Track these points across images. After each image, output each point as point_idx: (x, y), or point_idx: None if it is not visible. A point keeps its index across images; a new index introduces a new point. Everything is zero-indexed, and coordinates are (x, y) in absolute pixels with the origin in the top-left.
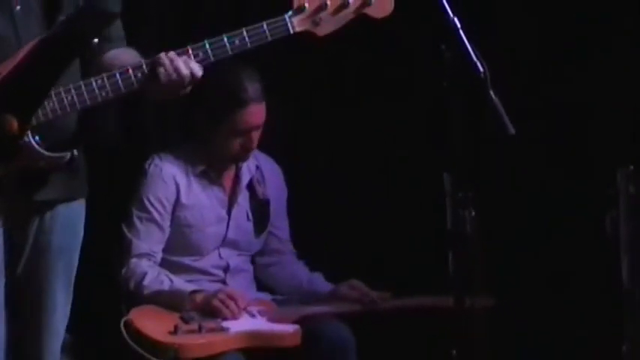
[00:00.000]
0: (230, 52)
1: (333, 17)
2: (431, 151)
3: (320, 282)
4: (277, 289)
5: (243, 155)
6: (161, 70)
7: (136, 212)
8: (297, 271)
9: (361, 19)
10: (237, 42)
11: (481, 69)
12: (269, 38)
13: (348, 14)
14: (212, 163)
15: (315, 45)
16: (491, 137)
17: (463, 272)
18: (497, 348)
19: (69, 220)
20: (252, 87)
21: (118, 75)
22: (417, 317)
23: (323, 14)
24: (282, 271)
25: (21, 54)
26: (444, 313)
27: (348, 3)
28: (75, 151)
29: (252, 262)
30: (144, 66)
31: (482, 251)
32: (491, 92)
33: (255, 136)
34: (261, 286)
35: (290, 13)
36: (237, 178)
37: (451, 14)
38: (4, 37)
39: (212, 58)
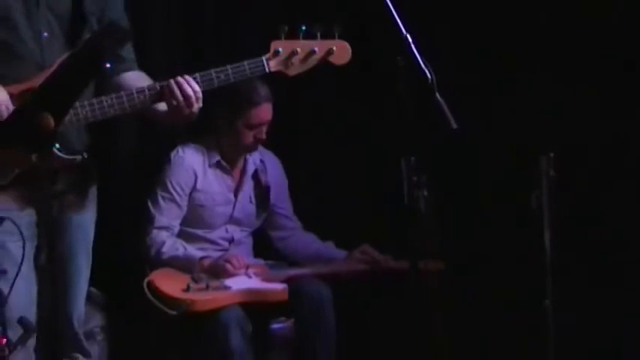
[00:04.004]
0: (215, 85)
1: (302, 62)
2: (392, 142)
3: (333, 249)
4: (297, 257)
5: (254, 145)
6: (166, 90)
7: (160, 192)
8: (310, 241)
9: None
10: (222, 76)
11: (429, 75)
12: (248, 75)
13: (314, 60)
14: (226, 153)
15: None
16: (439, 131)
17: (418, 241)
18: (449, 302)
19: (82, 202)
20: (263, 89)
21: (124, 96)
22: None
23: (294, 59)
24: (296, 242)
25: (55, 65)
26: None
27: (315, 51)
28: (85, 154)
29: (268, 237)
30: (146, 91)
31: (434, 224)
32: (437, 94)
33: (265, 129)
34: (282, 256)
35: (267, 55)
36: (244, 168)
37: (404, 32)
38: (32, 59)
39: (201, 88)
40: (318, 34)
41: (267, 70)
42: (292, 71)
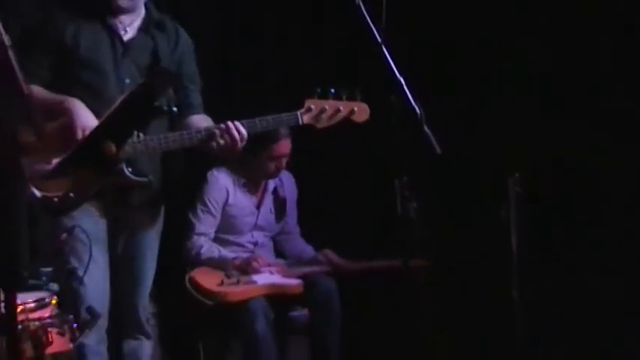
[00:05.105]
0: (258, 130)
1: (329, 118)
2: (387, 165)
3: (310, 251)
4: (286, 254)
5: (276, 173)
6: (218, 133)
7: (199, 206)
8: (299, 245)
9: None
10: (264, 123)
11: (418, 111)
12: (285, 124)
13: (339, 117)
14: (251, 178)
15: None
16: (425, 155)
17: (409, 244)
18: (432, 293)
19: (153, 214)
20: (283, 128)
21: (185, 134)
22: (378, 275)
23: (323, 115)
24: (289, 244)
25: (117, 102)
26: (394, 270)
27: (340, 110)
28: (150, 177)
29: (273, 239)
30: (202, 131)
31: (422, 230)
32: (424, 125)
33: (284, 160)
34: (278, 254)
35: (302, 110)
36: (265, 187)
37: (398, 75)
38: (114, 100)
39: (248, 132)
40: (344, 96)
41: (300, 122)
42: (320, 125)
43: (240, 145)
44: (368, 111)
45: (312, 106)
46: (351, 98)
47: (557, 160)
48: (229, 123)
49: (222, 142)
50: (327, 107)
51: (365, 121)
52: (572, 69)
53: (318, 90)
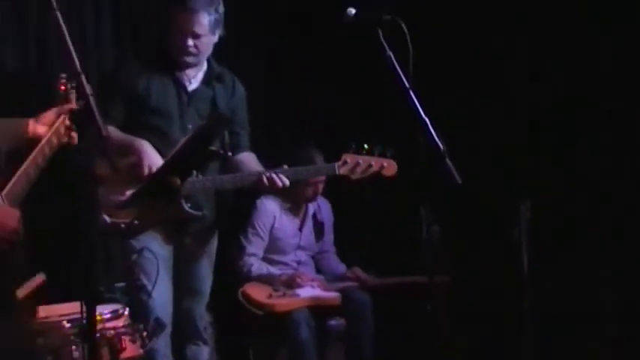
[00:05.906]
0: (299, 177)
1: (362, 172)
2: (413, 193)
3: (343, 269)
4: (322, 271)
5: (313, 197)
6: (265, 180)
7: (249, 230)
8: (334, 263)
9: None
10: (305, 172)
11: (441, 147)
12: (323, 174)
13: (370, 171)
14: (293, 203)
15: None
16: (447, 185)
17: (433, 262)
18: (452, 306)
19: (208, 239)
20: (319, 157)
21: (237, 177)
22: (402, 289)
23: (357, 168)
24: (325, 262)
25: (180, 143)
26: (418, 286)
27: (372, 165)
28: (205, 211)
29: (313, 257)
30: (253, 176)
31: (444, 250)
32: (447, 159)
33: (320, 186)
34: (318, 270)
35: (339, 163)
36: (306, 211)
37: (423, 115)
38: (178, 143)
39: (291, 179)
40: (376, 153)
41: (337, 172)
42: (354, 176)
43: (281, 188)
44: (396, 167)
45: (348, 160)
46: (382, 155)
47: (560, 177)
48: (273, 174)
49: (267, 184)
50: (360, 162)
51: (392, 175)
52: (573, 78)
53: (353, 145)
